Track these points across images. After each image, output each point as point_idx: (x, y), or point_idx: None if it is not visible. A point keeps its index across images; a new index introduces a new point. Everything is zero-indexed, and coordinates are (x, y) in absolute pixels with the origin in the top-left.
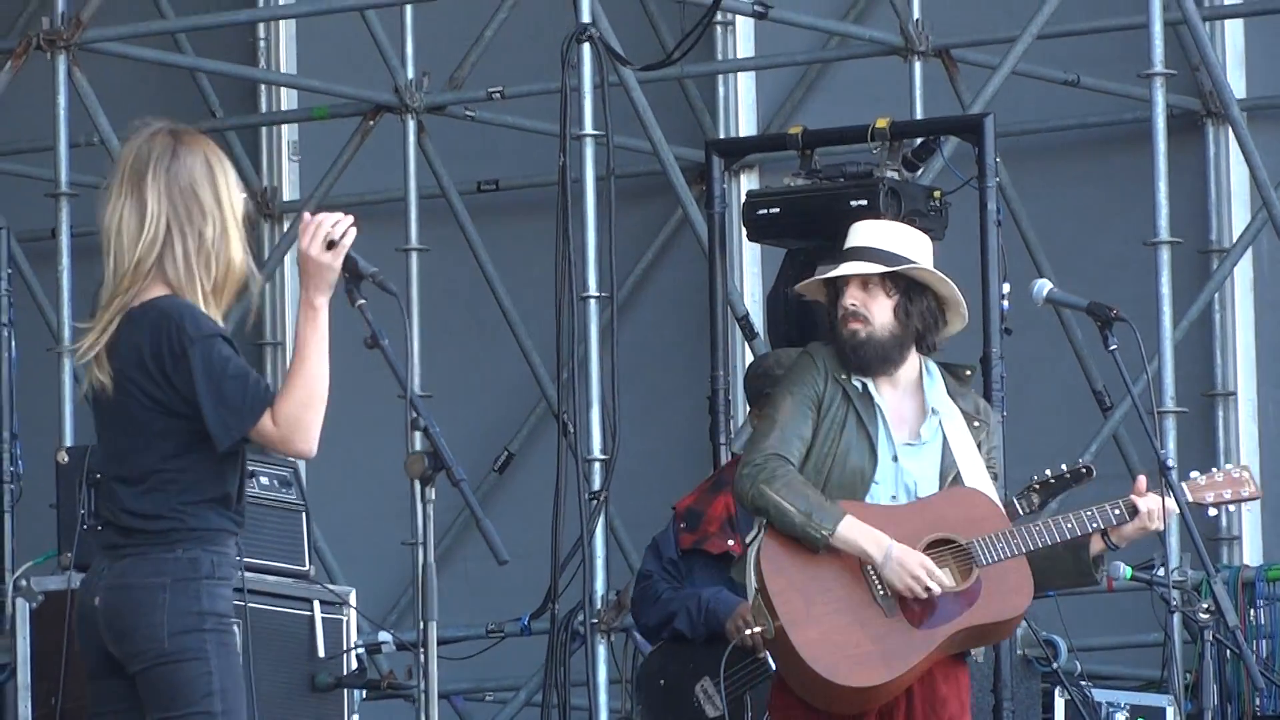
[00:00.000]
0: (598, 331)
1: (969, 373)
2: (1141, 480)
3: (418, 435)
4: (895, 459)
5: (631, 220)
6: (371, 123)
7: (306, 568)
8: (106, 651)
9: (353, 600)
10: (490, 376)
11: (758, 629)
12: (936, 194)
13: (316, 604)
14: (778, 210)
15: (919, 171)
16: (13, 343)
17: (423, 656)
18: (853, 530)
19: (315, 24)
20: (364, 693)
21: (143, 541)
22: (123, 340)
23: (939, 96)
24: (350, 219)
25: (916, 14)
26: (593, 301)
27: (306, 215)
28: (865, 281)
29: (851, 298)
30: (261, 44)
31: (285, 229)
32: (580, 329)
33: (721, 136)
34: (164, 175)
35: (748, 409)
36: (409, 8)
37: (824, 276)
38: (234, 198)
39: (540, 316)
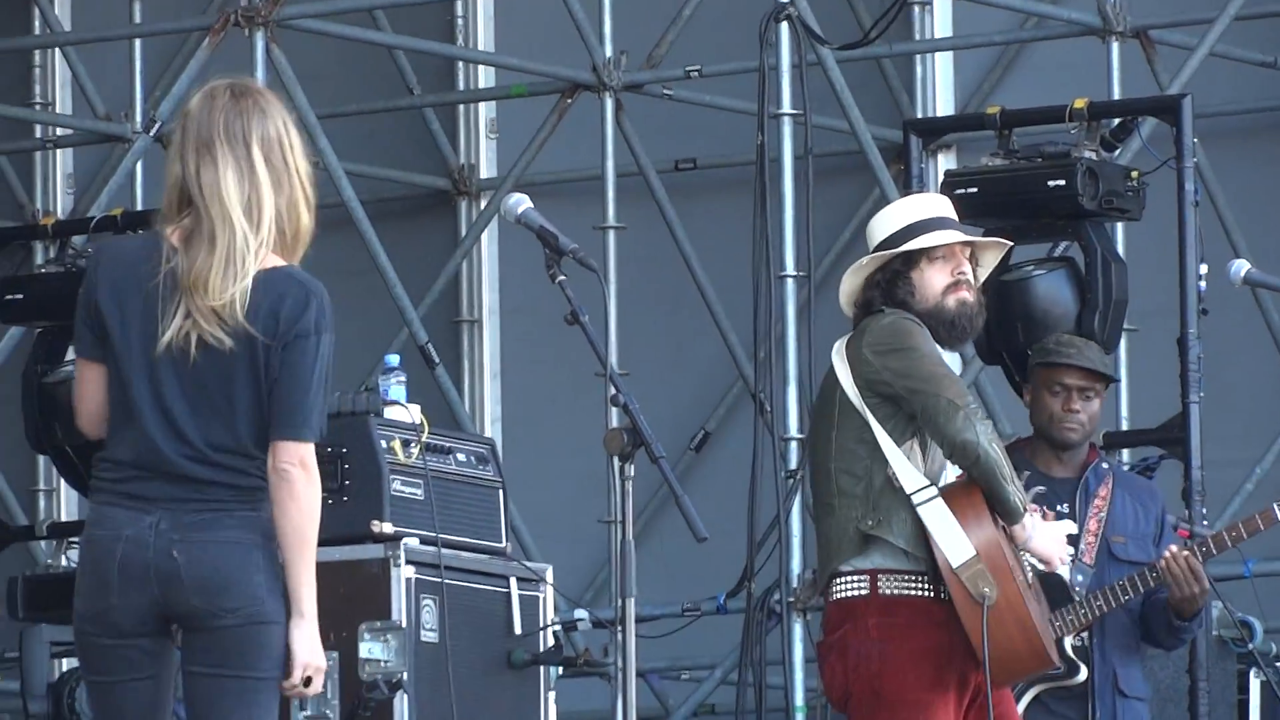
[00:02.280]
0: (795, 310)
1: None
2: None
3: (616, 412)
4: None
5: (829, 199)
6: (569, 101)
7: (503, 545)
8: (156, 607)
9: (549, 578)
10: (687, 355)
11: (986, 590)
12: (1134, 174)
13: (513, 581)
14: (975, 190)
15: (1116, 152)
16: None
17: (620, 634)
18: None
19: (513, 2)
20: (560, 670)
21: (226, 497)
22: (256, 303)
23: (1136, 77)
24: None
25: None
26: (790, 280)
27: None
28: (964, 251)
29: (964, 265)
30: (460, 22)
31: (482, 206)
32: (777, 308)
33: (919, 116)
34: (259, 136)
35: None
36: None
37: (914, 247)
38: (303, 157)
39: (738, 295)
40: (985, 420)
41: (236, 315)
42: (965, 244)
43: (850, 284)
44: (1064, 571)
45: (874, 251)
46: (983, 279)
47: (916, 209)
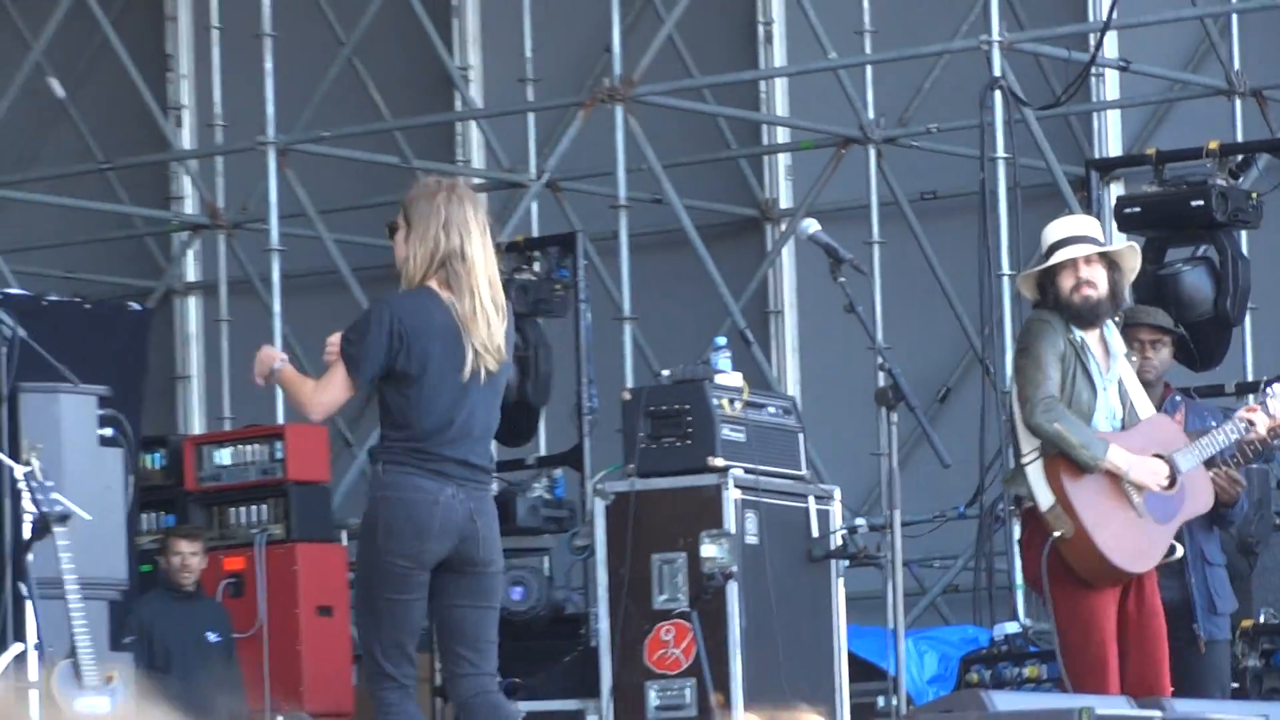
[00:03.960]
0: (1009, 299)
1: (1118, 318)
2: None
3: (882, 375)
4: (1105, 391)
5: (1031, 219)
6: (843, 151)
7: (803, 472)
8: (447, 553)
9: (837, 496)
10: (933, 332)
11: (1059, 532)
12: (1254, 195)
13: (811, 499)
14: (1139, 209)
15: (1240, 179)
16: (588, 314)
17: (889, 535)
18: (1113, 453)
19: (802, 79)
20: (846, 562)
21: (488, 482)
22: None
23: (1254, 125)
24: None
25: (1236, 64)
26: (1005, 278)
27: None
28: (1088, 259)
29: (1084, 271)
30: (763, 94)
31: (782, 229)
32: (996, 297)
33: (1097, 157)
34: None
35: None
36: (869, 67)
37: (1050, 264)
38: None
39: (968, 289)
40: (1052, 406)
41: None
42: (1098, 253)
43: (1023, 286)
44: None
45: (1039, 256)
46: (1131, 277)
47: (1060, 229)
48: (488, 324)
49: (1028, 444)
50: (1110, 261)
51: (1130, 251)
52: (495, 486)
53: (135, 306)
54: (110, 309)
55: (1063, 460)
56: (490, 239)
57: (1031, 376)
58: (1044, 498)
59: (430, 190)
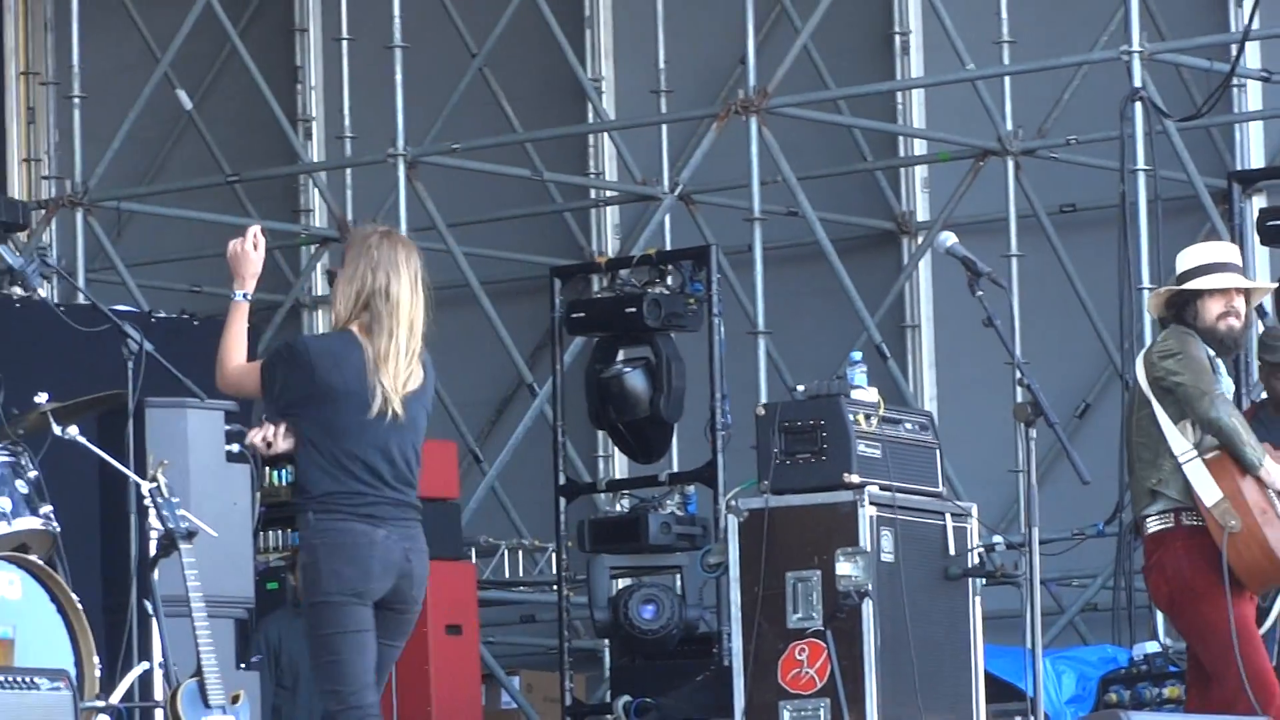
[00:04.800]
0: (1149, 313)
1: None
2: None
3: (1020, 390)
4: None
5: (1172, 231)
6: (980, 163)
7: (940, 489)
8: (386, 592)
9: (974, 513)
10: (1072, 347)
11: (1233, 523)
12: None
13: (948, 515)
14: None
15: None
16: (722, 328)
17: (1027, 553)
18: (1268, 460)
19: (940, 90)
20: (984, 581)
21: (418, 519)
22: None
23: None
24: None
25: None
26: (1145, 292)
27: (254, 229)
28: (1239, 290)
29: (1236, 301)
30: (899, 106)
31: (919, 242)
32: (1136, 311)
33: (1239, 169)
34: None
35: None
36: (1008, 78)
37: (1208, 287)
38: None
39: (1106, 303)
40: (1228, 403)
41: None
42: (1250, 289)
43: (1154, 302)
44: None
45: (1176, 276)
46: (1255, 303)
47: (1208, 254)
48: (396, 367)
49: (1181, 445)
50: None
51: (1263, 290)
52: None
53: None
54: (218, 326)
55: (1228, 457)
56: (421, 288)
57: (1198, 375)
58: (1210, 493)
59: (364, 234)
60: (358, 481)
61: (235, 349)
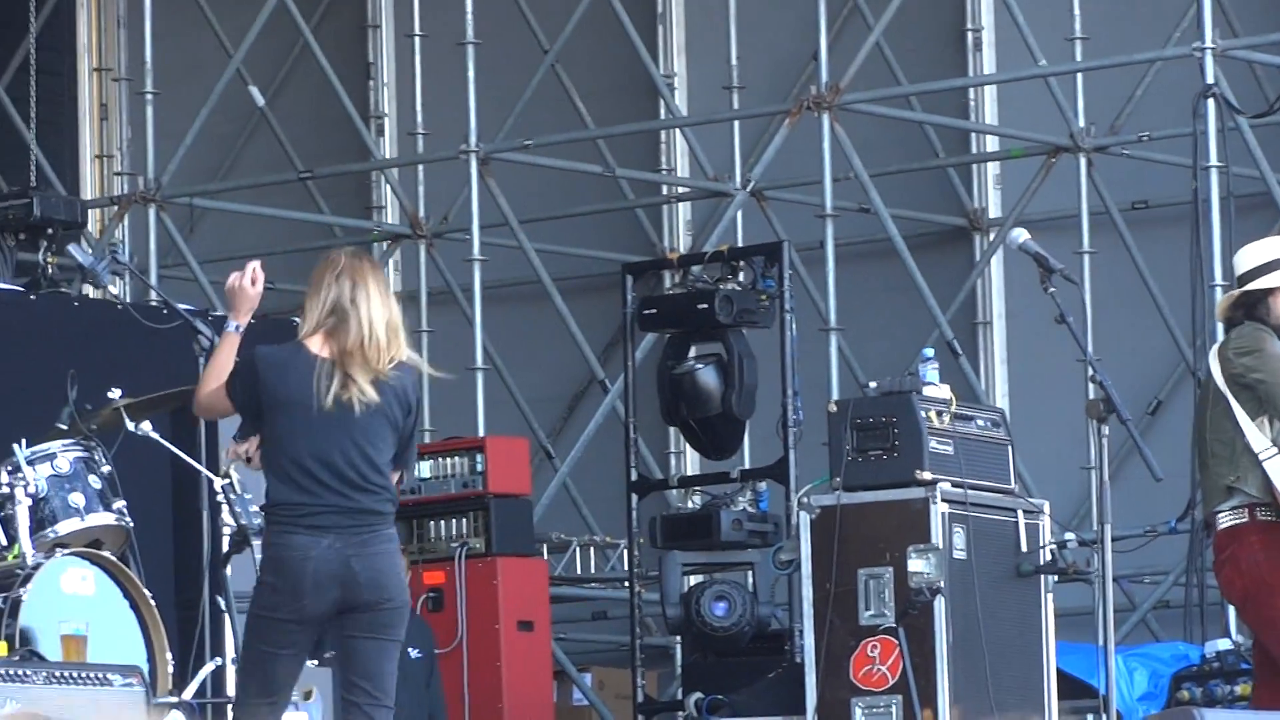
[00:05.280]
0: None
1: None
2: None
3: (1092, 387)
4: None
5: (1247, 228)
6: (1053, 160)
7: (1012, 486)
8: (331, 604)
9: (1046, 510)
10: (1143, 343)
11: None
12: None
13: (1020, 512)
14: None
15: None
16: (794, 325)
17: (1099, 550)
18: None
19: (1011, 86)
20: (1055, 577)
21: (376, 524)
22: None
23: None
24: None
25: None
26: (1218, 289)
27: (253, 264)
28: None
29: None
30: (971, 102)
31: (991, 238)
32: (1208, 308)
33: None
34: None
35: None
36: (1080, 75)
37: (1274, 285)
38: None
39: (1178, 300)
40: None
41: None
42: None
43: (1222, 305)
44: None
45: (1238, 276)
46: None
47: (1269, 251)
48: (364, 360)
49: (1260, 441)
50: None
51: None
52: (392, 529)
53: (299, 320)
54: (273, 324)
55: None
56: (391, 297)
57: (1277, 371)
58: None
59: (332, 257)
60: (301, 492)
61: (215, 376)
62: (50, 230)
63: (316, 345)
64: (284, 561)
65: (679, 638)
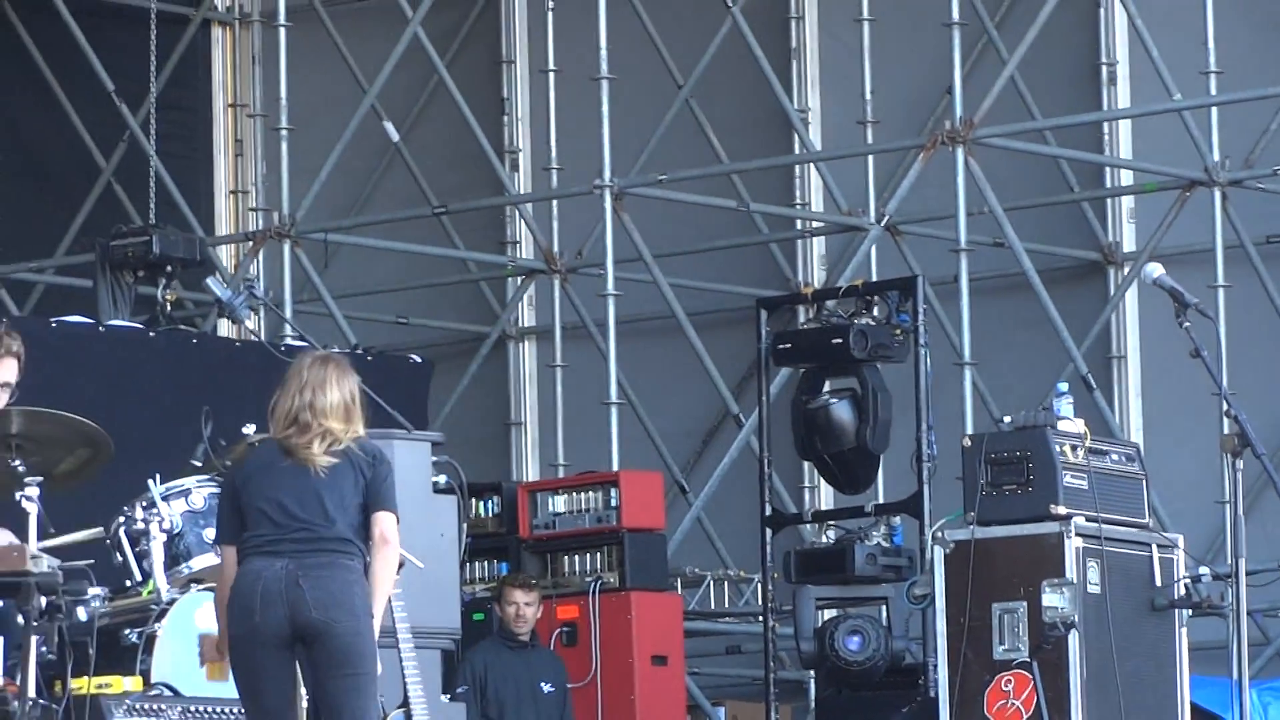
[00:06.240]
0: None
1: None
2: None
3: (1227, 421)
4: None
5: None
6: (1187, 194)
7: (1146, 520)
8: (283, 621)
9: (1180, 544)
10: (1277, 378)
11: None
12: None
13: (1154, 547)
14: None
15: None
16: (928, 359)
17: (1234, 584)
18: None
19: (1148, 120)
20: (1189, 612)
21: (332, 548)
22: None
23: None
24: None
25: None
26: None
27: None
28: None
29: None
30: (1106, 136)
31: (1125, 272)
32: None
33: None
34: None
35: None
36: (1215, 108)
37: None
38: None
39: None
40: None
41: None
42: None
43: None
44: None
45: None
46: None
47: None
48: (311, 451)
49: None
50: None
51: None
52: (350, 560)
53: (416, 359)
54: (390, 361)
55: None
56: (350, 397)
57: None
58: None
59: (302, 359)
60: (263, 524)
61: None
62: (169, 268)
63: (284, 440)
64: (241, 584)
65: (813, 672)
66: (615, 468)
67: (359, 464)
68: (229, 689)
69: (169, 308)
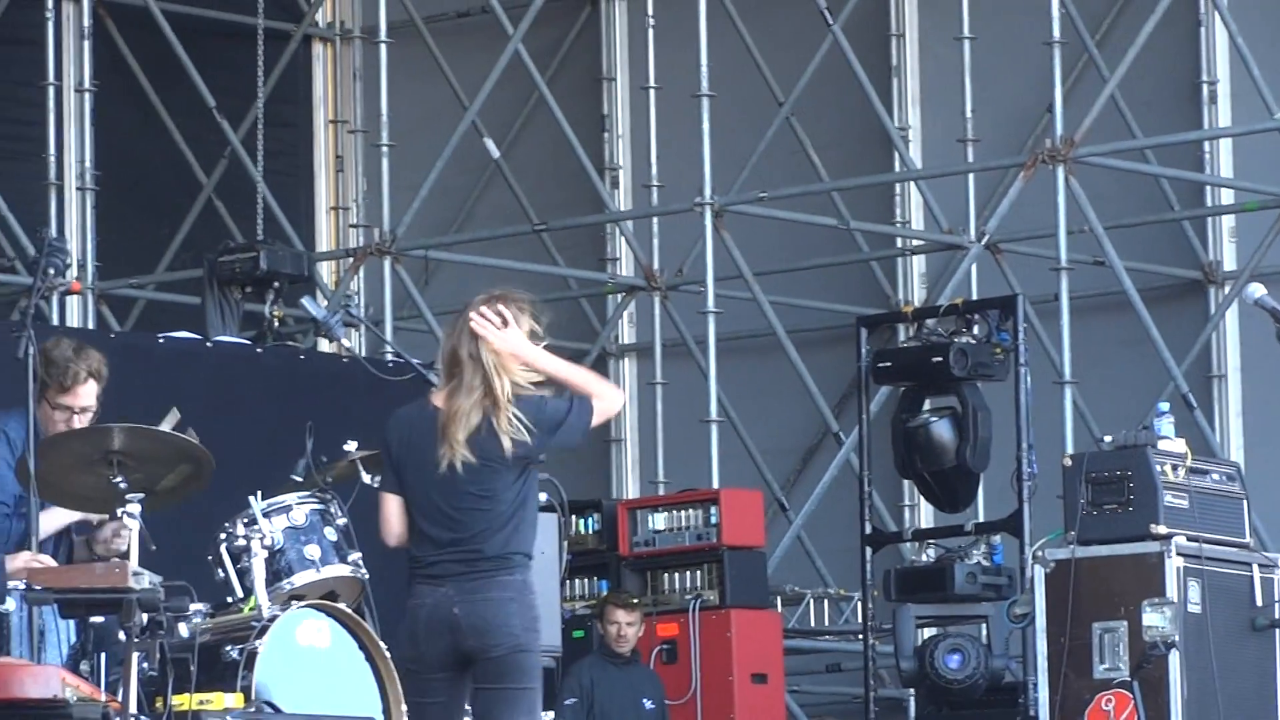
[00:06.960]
0: None
1: None
2: None
3: None
4: None
5: None
6: None
7: (1247, 540)
8: (447, 649)
9: None
10: None
11: None
12: None
13: (1255, 566)
14: None
15: None
16: (1028, 378)
17: None
18: None
19: (1247, 139)
20: None
21: (493, 571)
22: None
23: None
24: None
25: None
26: None
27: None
28: None
29: None
30: (1206, 155)
31: (1226, 292)
32: None
33: None
34: None
35: None
36: None
37: None
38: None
39: None
40: None
41: None
42: None
43: None
44: None
45: None
46: None
47: None
48: (465, 422)
49: None
50: None
51: None
52: (515, 574)
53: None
54: None
55: None
56: (523, 339)
57: None
58: None
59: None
60: (421, 544)
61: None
62: (276, 284)
63: (439, 400)
64: (408, 613)
65: (913, 690)
66: (715, 485)
67: (494, 456)
68: (331, 706)
69: (276, 324)
